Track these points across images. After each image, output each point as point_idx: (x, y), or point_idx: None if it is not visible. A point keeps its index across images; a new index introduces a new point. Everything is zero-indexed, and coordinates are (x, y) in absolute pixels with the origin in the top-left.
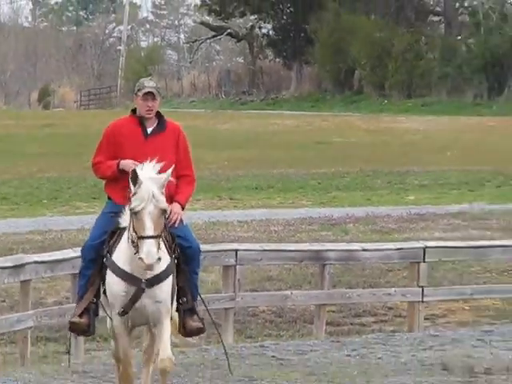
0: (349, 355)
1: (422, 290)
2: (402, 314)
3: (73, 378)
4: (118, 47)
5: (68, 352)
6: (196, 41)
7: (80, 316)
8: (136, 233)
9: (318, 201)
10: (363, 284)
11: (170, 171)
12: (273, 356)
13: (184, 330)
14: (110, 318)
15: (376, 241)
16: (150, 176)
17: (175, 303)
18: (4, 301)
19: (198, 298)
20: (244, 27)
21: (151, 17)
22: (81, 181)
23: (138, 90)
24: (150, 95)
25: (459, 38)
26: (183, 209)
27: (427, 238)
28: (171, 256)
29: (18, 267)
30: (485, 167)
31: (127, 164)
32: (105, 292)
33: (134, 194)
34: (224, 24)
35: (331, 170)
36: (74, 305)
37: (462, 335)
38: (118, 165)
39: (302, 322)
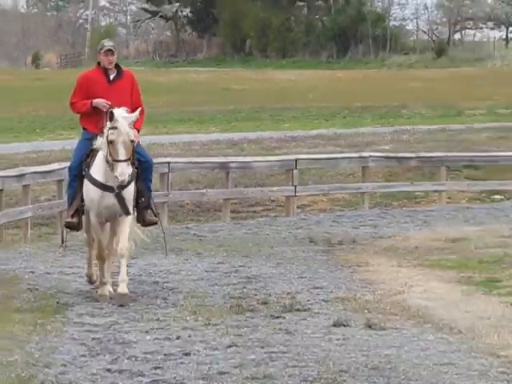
0: (246, 233)
1: (295, 188)
2: (281, 204)
3: (60, 250)
4: (86, 26)
5: (62, 242)
6: (138, 21)
7: (72, 217)
8: (112, 157)
9: (223, 129)
10: (255, 184)
11: (137, 112)
12: (194, 234)
13: (143, 222)
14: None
15: (263, 155)
16: (124, 115)
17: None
18: (11, 199)
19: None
20: (170, 11)
21: (108, 5)
22: (62, 116)
23: (101, 49)
24: (109, 52)
25: (317, 17)
26: (138, 132)
27: (298, 153)
28: (133, 167)
29: (21, 176)
30: (335, 104)
31: (99, 102)
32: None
33: (111, 128)
34: (157, 9)
35: (231, 107)
36: (59, 201)
37: (322, 218)
38: (91, 103)
39: (214, 211)
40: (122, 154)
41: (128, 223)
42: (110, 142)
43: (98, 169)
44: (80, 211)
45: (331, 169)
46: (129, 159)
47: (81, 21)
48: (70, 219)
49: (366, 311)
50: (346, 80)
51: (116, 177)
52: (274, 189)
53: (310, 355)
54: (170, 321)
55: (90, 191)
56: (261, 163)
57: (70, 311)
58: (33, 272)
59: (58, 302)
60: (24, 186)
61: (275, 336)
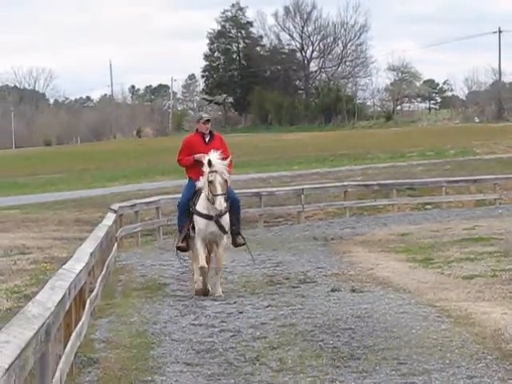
0: (273, 235)
1: (303, 206)
2: (294, 216)
3: (161, 252)
4: (169, 110)
5: (179, 260)
6: (201, 106)
7: (182, 242)
8: (212, 193)
9: (256, 171)
10: (278, 204)
11: (229, 159)
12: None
13: (234, 244)
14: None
15: (282, 186)
16: (220, 161)
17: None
18: (128, 220)
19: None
20: (221, 99)
21: (182, 97)
22: (156, 167)
23: (199, 119)
24: (207, 121)
25: (311, 99)
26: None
27: (303, 184)
28: (227, 203)
29: (133, 205)
30: (325, 153)
31: (199, 157)
32: (193, 227)
33: (211, 171)
34: (212, 98)
35: (260, 157)
36: (157, 220)
37: (320, 224)
38: (193, 158)
39: (253, 222)
40: (220, 189)
41: (223, 248)
42: (210, 182)
43: (201, 204)
44: (187, 237)
45: (324, 193)
46: (224, 194)
47: (165, 107)
48: (180, 244)
49: (350, 281)
50: (330, 138)
51: (216, 208)
52: (290, 207)
53: (317, 310)
54: (229, 292)
55: (198, 222)
56: (281, 191)
57: (167, 288)
58: (143, 265)
59: (159, 283)
60: (135, 211)
61: (295, 299)
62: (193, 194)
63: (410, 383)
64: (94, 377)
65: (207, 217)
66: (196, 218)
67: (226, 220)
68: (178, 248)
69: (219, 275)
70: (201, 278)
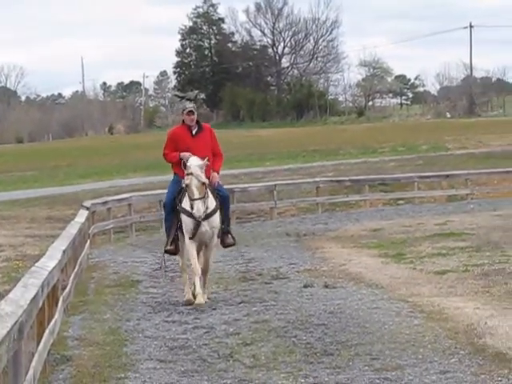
0: (246, 231)
1: (275, 202)
2: (267, 212)
3: (133, 248)
4: (140, 107)
5: (161, 267)
6: (172, 102)
7: (170, 244)
8: (189, 197)
9: (227, 167)
10: (250, 201)
11: (205, 160)
12: None
13: (223, 244)
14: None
15: (254, 182)
16: (195, 163)
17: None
18: (100, 217)
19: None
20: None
21: (154, 93)
22: (128, 164)
23: (183, 110)
24: (191, 112)
25: (283, 95)
26: (218, 173)
27: (276, 180)
28: (216, 201)
29: (105, 202)
30: (297, 149)
31: (184, 155)
32: (181, 227)
33: (187, 174)
34: (184, 94)
35: (232, 154)
36: (129, 217)
37: (293, 220)
38: (179, 155)
39: None
40: (196, 194)
41: (213, 249)
42: (187, 186)
43: (186, 202)
44: (176, 239)
45: (296, 189)
46: (202, 197)
47: (137, 104)
48: (168, 247)
49: (323, 277)
50: (302, 134)
51: (193, 213)
52: (263, 203)
53: (290, 306)
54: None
55: (185, 221)
56: (253, 188)
57: (140, 285)
58: (115, 262)
59: (132, 280)
60: (107, 208)
61: (268, 295)
62: (178, 191)
63: (383, 378)
64: (68, 374)
65: (193, 217)
66: (183, 217)
67: (215, 221)
68: (166, 251)
69: (206, 278)
70: (191, 289)
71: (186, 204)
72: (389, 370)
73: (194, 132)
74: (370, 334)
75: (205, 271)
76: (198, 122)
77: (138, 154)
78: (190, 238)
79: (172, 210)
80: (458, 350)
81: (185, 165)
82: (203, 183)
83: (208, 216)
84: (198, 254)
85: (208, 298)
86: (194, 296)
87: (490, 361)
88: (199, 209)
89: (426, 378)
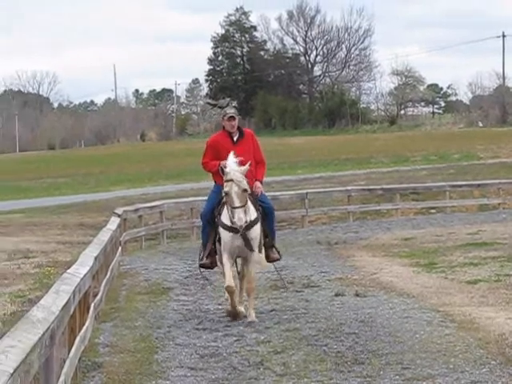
0: (277, 239)
1: (306, 210)
2: (298, 220)
3: (164, 256)
4: (172, 114)
5: (206, 279)
6: (204, 110)
7: (206, 258)
8: (229, 205)
9: None
10: (282, 209)
11: (247, 166)
12: None
13: (267, 259)
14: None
15: (286, 190)
16: (236, 169)
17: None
18: (133, 225)
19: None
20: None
21: (185, 101)
22: (160, 171)
23: (224, 116)
24: (232, 118)
25: (315, 103)
26: (261, 183)
27: (307, 188)
28: (257, 211)
29: (136, 210)
30: (328, 157)
31: (225, 164)
32: (219, 240)
33: (226, 181)
34: (215, 102)
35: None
36: (161, 223)
37: (324, 228)
38: (219, 164)
39: None
40: (237, 201)
41: (254, 264)
42: (226, 194)
43: (226, 214)
44: (213, 252)
45: (328, 197)
46: (243, 206)
47: (169, 111)
48: (203, 261)
49: (354, 286)
50: (334, 142)
51: (235, 222)
52: (294, 211)
53: (321, 314)
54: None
55: (222, 235)
56: (285, 196)
57: (171, 292)
58: (147, 269)
59: (163, 287)
60: (139, 215)
61: (299, 303)
62: (218, 201)
63: None
64: (98, 381)
65: (232, 229)
66: (222, 233)
67: (254, 233)
68: (202, 265)
69: (251, 297)
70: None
71: (225, 217)
72: (420, 380)
73: (235, 139)
74: (401, 343)
75: (249, 290)
76: (239, 128)
77: (169, 161)
78: (229, 255)
79: (209, 221)
80: (489, 359)
81: (223, 170)
82: (244, 190)
83: (247, 227)
84: (241, 272)
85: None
86: (236, 310)
87: None
88: (240, 218)
89: None
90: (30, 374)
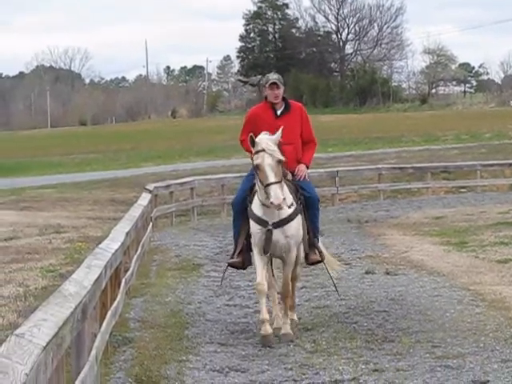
0: None
1: (337, 188)
2: (329, 198)
3: (194, 232)
4: (203, 91)
5: (222, 278)
6: (236, 87)
7: (237, 256)
8: (262, 183)
9: None
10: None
11: (279, 133)
12: None
13: (307, 260)
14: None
15: (316, 168)
16: (267, 137)
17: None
18: (162, 200)
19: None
20: (256, 81)
21: (217, 78)
22: (190, 148)
23: (266, 82)
24: (274, 85)
25: (346, 81)
26: (308, 167)
27: (338, 166)
28: (297, 203)
29: (168, 186)
30: (359, 135)
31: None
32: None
33: (256, 152)
34: (247, 79)
35: None
36: (191, 200)
37: (354, 207)
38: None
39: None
40: (271, 176)
41: (291, 264)
42: (257, 167)
43: (257, 203)
44: (245, 250)
45: (358, 176)
46: (279, 181)
47: (200, 88)
48: (233, 259)
49: (385, 264)
50: (365, 120)
51: (272, 203)
52: (324, 189)
53: (351, 292)
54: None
55: (252, 227)
56: (315, 173)
57: (201, 269)
58: (177, 245)
59: (193, 264)
60: (170, 192)
61: (329, 280)
62: (251, 188)
63: (444, 366)
64: (129, 356)
65: (263, 222)
66: (251, 224)
67: (291, 229)
68: (231, 265)
69: (286, 305)
70: (265, 311)
71: (256, 206)
72: (450, 358)
73: (278, 112)
74: (431, 321)
75: (283, 294)
76: (284, 99)
77: (200, 138)
78: (260, 252)
79: (241, 211)
80: None
81: (252, 141)
82: (279, 161)
83: (282, 223)
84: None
85: (296, 321)
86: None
87: None
88: (277, 194)
89: (487, 367)
90: (62, 347)
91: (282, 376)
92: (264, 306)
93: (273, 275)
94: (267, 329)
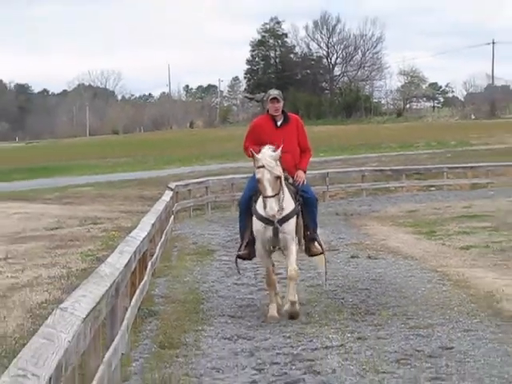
0: None
1: (327, 187)
2: (320, 195)
3: (209, 223)
4: (216, 106)
5: (238, 271)
6: (243, 103)
7: (244, 249)
8: (262, 194)
9: None
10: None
11: (279, 150)
12: None
13: (309, 253)
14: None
15: (310, 170)
16: (268, 154)
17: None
18: (183, 197)
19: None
20: (260, 97)
21: (227, 95)
22: (206, 153)
23: (268, 97)
24: (275, 99)
25: (335, 98)
26: (305, 172)
27: (328, 168)
28: (295, 203)
29: (186, 185)
30: (346, 143)
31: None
32: None
33: (258, 167)
34: (252, 96)
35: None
36: (206, 196)
37: (342, 202)
38: (259, 150)
39: None
40: (269, 190)
41: (294, 249)
42: (258, 181)
43: (260, 203)
44: (251, 243)
45: (345, 176)
46: (276, 195)
47: (213, 104)
48: (241, 252)
49: (367, 250)
50: (351, 130)
51: (266, 212)
52: (317, 187)
53: (339, 273)
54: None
55: (255, 224)
56: (309, 175)
57: (214, 254)
58: (194, 234)
59: (208, 249)
60: (188, 189)
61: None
62: (256, 188)
63: (416, 335)
64: (154, 326)
65: (265, 220)
66: (254, 221)
67: (289, 227)
68: (239, 256)
69: (292, 283)
70: (273, 301)
71: (259, 205)
72: (421, 328)
73: (278, 123)
74: (405, 297)
75: (290, 277)
76: (283, 112)
77: (213, 145)
78: (264, 247)
79: (246, 210)
80: (479, 312)
81: (254, 155)
82: (277, 177)
83: (282, 220)
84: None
85: (299, 304)
86: (278, 304)
87: (506, 322)
88: (272, 207)
89: (452, 335)
90: (98, 319)
91: (282, 343)
92: (273, 296)
93: (273, 265)
94: (274, 311)
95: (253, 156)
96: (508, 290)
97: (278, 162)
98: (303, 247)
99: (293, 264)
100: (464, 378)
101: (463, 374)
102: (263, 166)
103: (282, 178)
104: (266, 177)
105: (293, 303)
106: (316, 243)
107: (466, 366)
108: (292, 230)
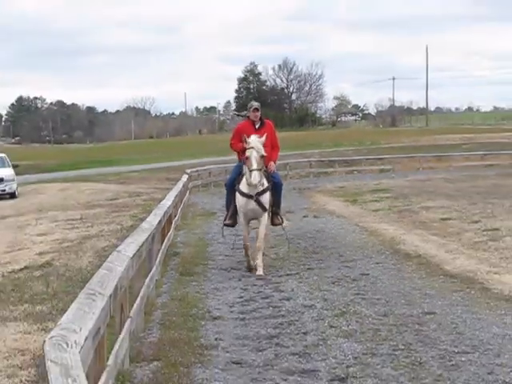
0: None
1: (288, 172)
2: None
3: (211, 196)
4: (216, 120)
5: (222, 235)
6: (232, 118)
7: (229, 219)
8: (248, 168)
9: None
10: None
11: (264, 137)
12: None
13: (272, 223)
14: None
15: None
16: (256, 139)
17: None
18: (195, 178)
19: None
20: (245, 114)
21: (222, 112)
22: (213, 150)
23: (250, 107)
24: (256, 110)
25: (292, 114)
26: (275, 162)
27: (289, 159)
28: (269, 183)
29: (195, 171)
30: (298, 144)
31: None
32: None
33: (248, 148)
34: (240, 113)
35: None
36: (210, 178)
37: (297, 181)
38: (244, 147)
39: None
40: (255, 164)
41: (264, 225)
42: (247, 158)
43: (244, 184)
44: (234, 214)
45: (299, 164)
46: (259, 169)
47: (214, 118)
48: (227, 221)
49: (314, 212)
50: (302, 135)
51: (250, 181)
52: (280, 172)
53: (295, 227)
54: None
55: (238, 199)
56: (276, 164)
57: (216, 215)
58: (202, 202)
59: (211, 212)
60: (198, 173)
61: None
62: (238, 174)
63: (345, 266)
64: (177, 261)
65: (247, 196)
66: (237, 196)
67: (265, 198)
68: (226, 225)
69: (260, 252)
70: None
71: (242, 185)
72: (348, 262)
73: (257, 126)
74: (338, 242)
75: (258, 248)
76: (261, 118)
77: (214, 145)
78: (245, 217)
79: (231, 189)
80: (385, 251)
81: (246, 140)
82: (262, 156)
83: (259, 194)
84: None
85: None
86: (250, 265)
87: (402, 257)
88: (255, 177)
89: (368, 266)
90: (141, 257)
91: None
92: (249, 257)
93: (248, 233)
94: (261, 271)
95: (241, 150)
96: (403, 237)
97: (263, 146)
98: (269, 219)
99: (261, 239)
100: (376, 293)
101: (375, 291)
102: (252, 148)
103: (265, 156)
104: (253, 155)
105: (258, 266)
106: (278, 217)
107: (377, 285)
108: (267, 201)
